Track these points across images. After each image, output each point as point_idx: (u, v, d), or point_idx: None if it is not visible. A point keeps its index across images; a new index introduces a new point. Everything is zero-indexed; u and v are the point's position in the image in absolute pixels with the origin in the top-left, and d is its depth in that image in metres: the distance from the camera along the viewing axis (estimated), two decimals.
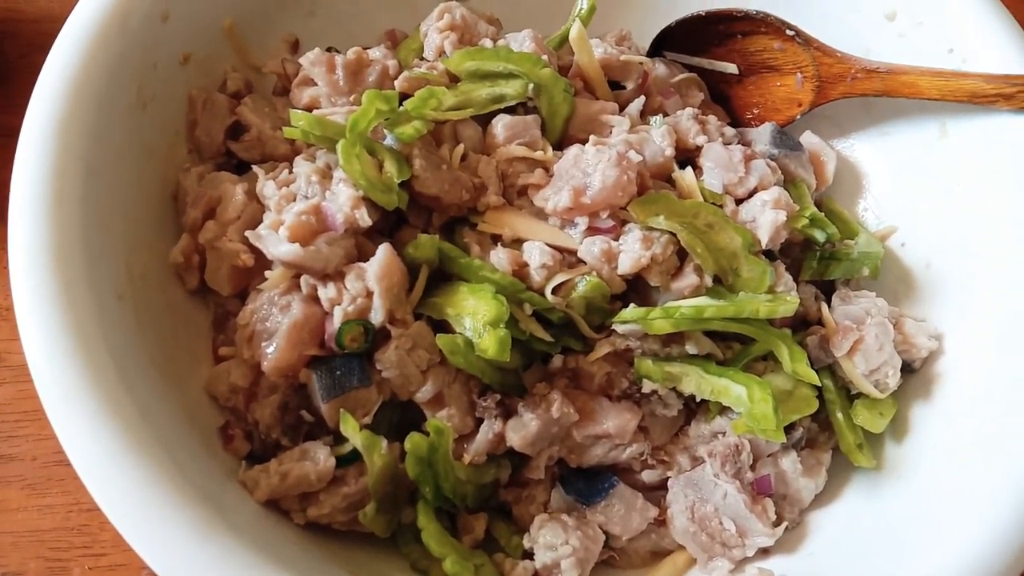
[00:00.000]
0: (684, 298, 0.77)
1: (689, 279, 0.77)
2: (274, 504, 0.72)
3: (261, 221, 0.77)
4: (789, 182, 0.89)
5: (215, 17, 0.88)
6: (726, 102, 0.99)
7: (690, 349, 0.78)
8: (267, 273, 0.75)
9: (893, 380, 0.80)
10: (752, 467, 0.78)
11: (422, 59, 0.90)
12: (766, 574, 0.74)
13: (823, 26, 0.92)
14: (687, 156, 0.88)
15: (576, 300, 0.76)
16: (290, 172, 0.81)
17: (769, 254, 0.83)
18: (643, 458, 0.79)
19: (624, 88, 0.92)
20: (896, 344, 0.81)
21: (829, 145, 0.95)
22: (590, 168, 0.77)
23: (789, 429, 0.79)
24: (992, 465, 0.71)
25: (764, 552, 0.77)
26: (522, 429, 0.74)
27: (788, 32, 0.91)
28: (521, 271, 0.76)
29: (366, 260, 0.74)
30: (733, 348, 0.81)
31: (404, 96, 0.80)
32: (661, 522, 0.79)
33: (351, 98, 0.84)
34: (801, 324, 0.85)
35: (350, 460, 0.73)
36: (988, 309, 0.80)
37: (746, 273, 0.78)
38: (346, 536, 0.74)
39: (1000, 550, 0.65)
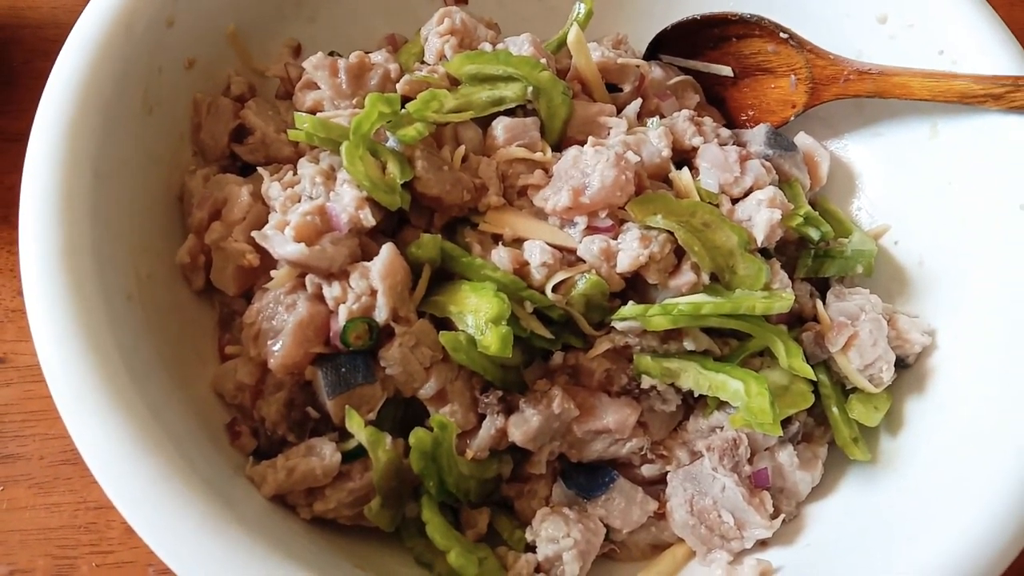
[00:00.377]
0: (682, 295, 0.77)
1: (686, 277, 0.78)
2: (281, 499, 0.73)
3: (266, 222, 0.78)
4: (784, 182, 0.90)
5: (219, 23, 0.89)
6: (721, 104, 1.00)
7: (688, 345, 0.79)
8: (272, 272, 0.76)
9: (887, 375, 0.80)
10: (750, 461, 0.79)
11: (423, 63, 0.91)
12: (764, 565, 0.74)
13: (816, 29, 0.93)
14: (684, 157, 0.89)
15: (576, 298, 0.76)
16: (294, 174, 0.82)
17: (765, 252, 0.84)
18: (643, 453, 0.80)
19: (621, 90, 0.93)
20: (890, 340, 0.82)
21: (823, 145, 0.96)
22: (589, 169, 0.78)
23: (786, 423, 0.79)
24: (984, 457, 0.71)
25: (762, 544, 0.77)
26: (524, 425, 0.75)
27: (782, 35, 0.92)
28: (522, 270, 0.77)
29: (370, 259, 0.75)
30: (730, 344, 0.82)
31: (406, 99, 0.81)
32: (661, 515, 0.79)
33: (354, 101, 0.85)
34: (796, 321, 0.86)
35: (355, 456, 0.74)
36: (980, 305, 0.81)
37: (742, 271, 0.78)
38: (351, 530, 0.75)
39: (993, 539, 0.66)
